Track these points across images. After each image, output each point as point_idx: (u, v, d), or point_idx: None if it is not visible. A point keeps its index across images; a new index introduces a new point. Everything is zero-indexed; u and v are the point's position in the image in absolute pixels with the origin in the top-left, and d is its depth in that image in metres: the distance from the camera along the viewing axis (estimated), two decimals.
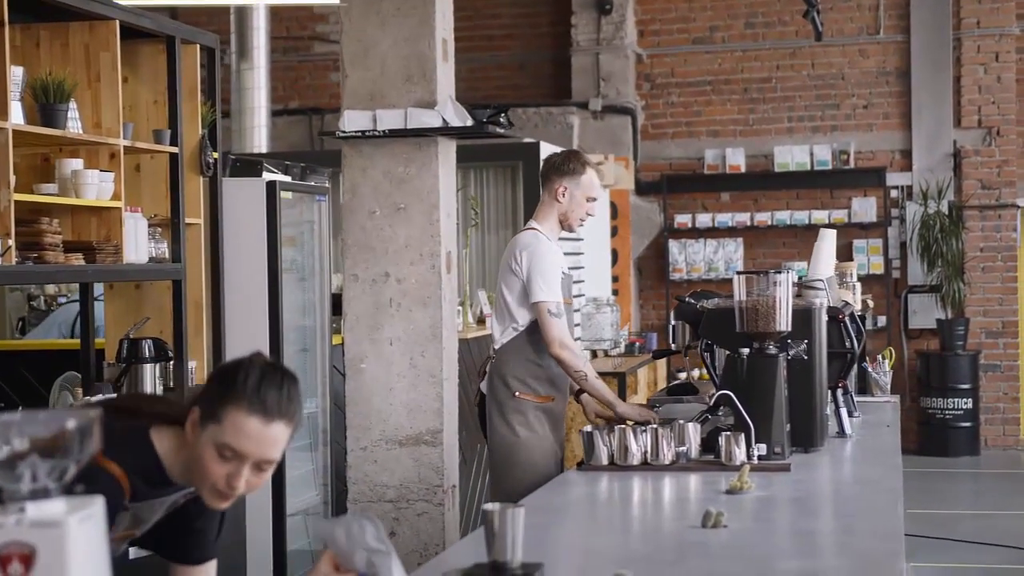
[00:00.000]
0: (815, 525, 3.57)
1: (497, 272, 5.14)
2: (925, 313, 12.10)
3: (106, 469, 2.53)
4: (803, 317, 4.48)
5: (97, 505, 1.74)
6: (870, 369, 6.40)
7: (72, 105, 4.90)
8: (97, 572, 1.73)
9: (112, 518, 2.56)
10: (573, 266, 9.22)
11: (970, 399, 11.80)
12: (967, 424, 11.80)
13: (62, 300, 8.22)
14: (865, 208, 12.22)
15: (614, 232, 11.80)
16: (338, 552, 2.31)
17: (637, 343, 10.55)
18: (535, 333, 4.91)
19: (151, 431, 2.65)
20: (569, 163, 5.02)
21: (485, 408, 5.08)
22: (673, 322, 5.08)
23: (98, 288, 5.94)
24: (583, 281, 9.96)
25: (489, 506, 2.69)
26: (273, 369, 2.60)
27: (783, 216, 12.30)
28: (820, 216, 12.13)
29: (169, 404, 2.73)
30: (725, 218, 12.40)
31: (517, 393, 4.95)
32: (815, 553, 3.20)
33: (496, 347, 5.03)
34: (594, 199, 5.05)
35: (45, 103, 4.80)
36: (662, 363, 10.68)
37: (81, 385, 5.47)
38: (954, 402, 11.77)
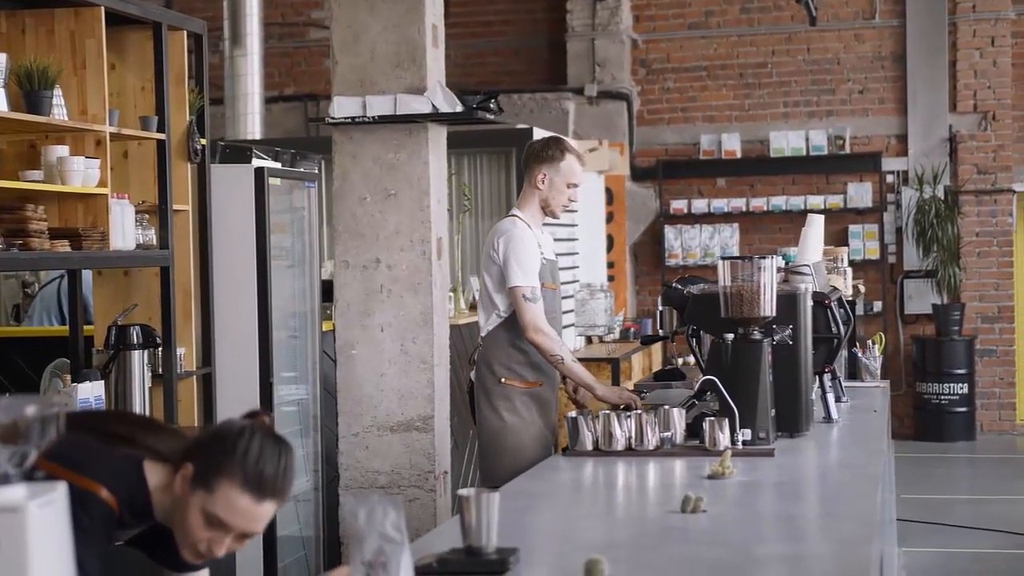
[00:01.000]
0: (794, 510, 3.57)
1: None
2: (921, 298, 12.09)
3: (99, 495, 2.52)
4: (788, 302, 4.48)
5: (59, 491, 1.74)
6: (860, 355, 6.39)
7: (57, 92, 4.88)
8: (58, 557, 1.74)
9: (104, 542, 2.56)
10: (567, 252, 9.23)
11: (966, 384, 11.79)
12: (963, 409, 11.80)
13: None
14: (861, 193, 12.20)
15: (610, 218, 11.79)
16: (353, 533, 2.31)
17: (632, 329, 10.53)
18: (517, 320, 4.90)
19: (145, 463, 2.63)
20: (548, 150, 4.99)
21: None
22: (660, 308, 5.07)
23: None
24: (577, 267, 9.95)
25: (464, 492, 2.70)
26: (273, 441, 2.58)
27: (779, 202, 12.28)
28: (816, 201, 12.11)
29: (163, 438, 2.70)
30: (721, 204, 12.39)
31: (503, 379, 4.95)
32: (791, 537, 3.19)
33: (482, 335, 5.03)
34: (575, 185, 5.02)
35: (29, 90, 4.78)
36: (657, 349, 10.68)
37: (70, 371, 5.47)
38: (950, 387, 11.77)
